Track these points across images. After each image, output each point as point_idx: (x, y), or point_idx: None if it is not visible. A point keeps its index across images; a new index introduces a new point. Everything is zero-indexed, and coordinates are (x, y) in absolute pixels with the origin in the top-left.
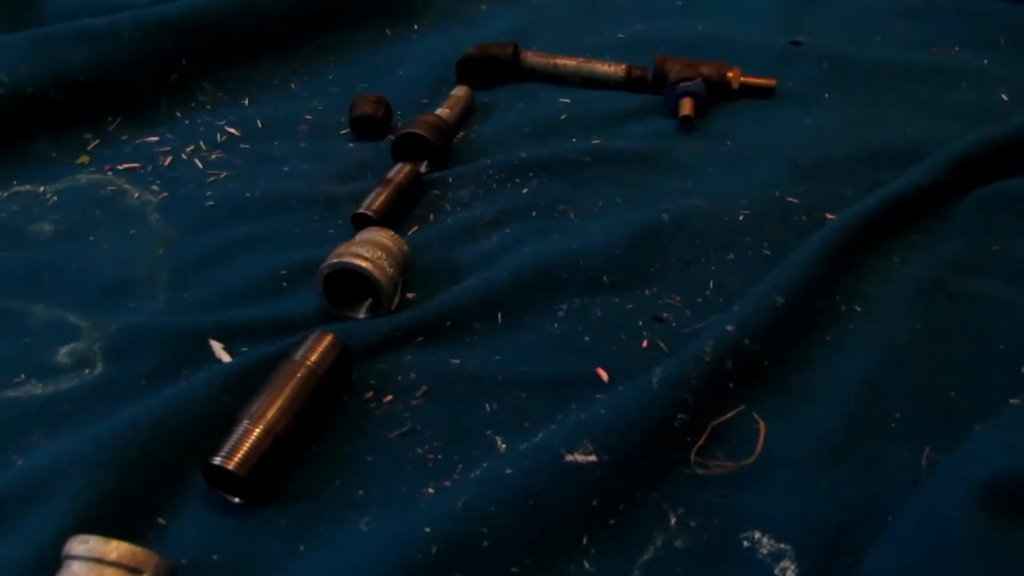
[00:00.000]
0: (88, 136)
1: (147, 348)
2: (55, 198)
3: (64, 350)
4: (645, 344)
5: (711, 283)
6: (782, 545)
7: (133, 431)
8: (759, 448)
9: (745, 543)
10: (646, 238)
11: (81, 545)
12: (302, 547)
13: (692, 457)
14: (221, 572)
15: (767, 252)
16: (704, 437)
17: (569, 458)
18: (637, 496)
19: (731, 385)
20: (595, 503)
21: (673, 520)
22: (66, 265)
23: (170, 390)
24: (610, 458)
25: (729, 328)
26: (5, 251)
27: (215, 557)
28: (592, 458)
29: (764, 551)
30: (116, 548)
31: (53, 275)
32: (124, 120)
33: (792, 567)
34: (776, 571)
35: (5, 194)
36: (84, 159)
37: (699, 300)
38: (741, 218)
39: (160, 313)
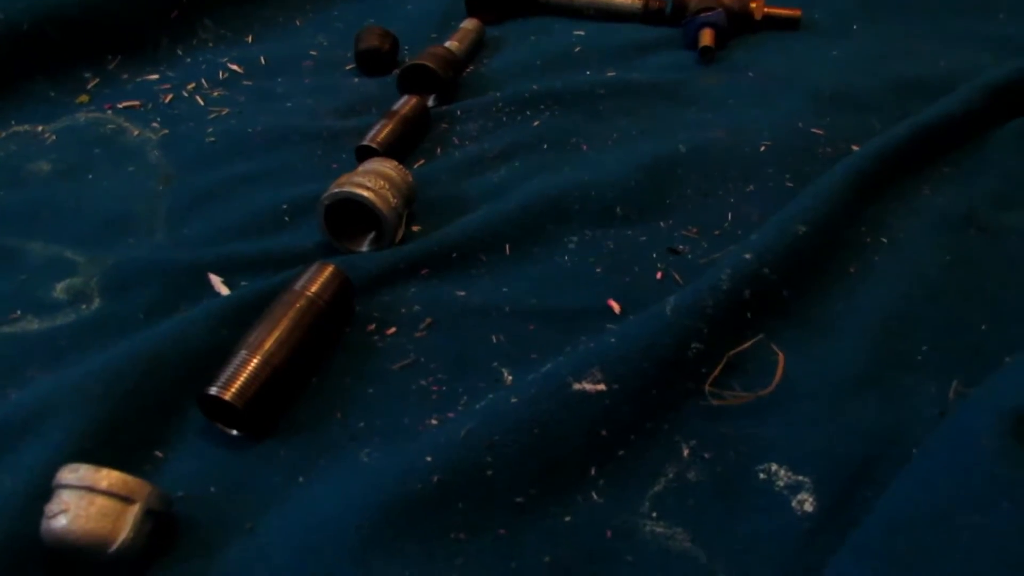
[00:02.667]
0: (87, 75)
1: (145, 283)
2: (53, 137)
3: (61, 286)
4: (659, 276)
5: (729, 215)
6: (800, 477)
7: (129, 363)
8: (777, 379)
9: (761, 475)
10: (662, 170)
11: (71, 474)
12: (301, 479)
13: (706, 388)
14: (219, 504)
15: (789, 184)
16: (719, 367)
17: (577, 386)
18: (648, 427)
19: (748, 315)
20: (604, 433)
21: (686, 451)
22: (64, 203)
23: (167, 323)
24: (619, 387)
25: (747, 256)
26: (3, 190)
27: (212, 489)
28: (601, 387)
29: (781, 483)
30: (107, 476)
31: (51, 213)
32: (124, 58)
33: (810, 499)
34: (793, 503)
35: (3, 134)
36: (83, 98)
37: (716, 232)
38: (762, 149)
39: (158, 248)
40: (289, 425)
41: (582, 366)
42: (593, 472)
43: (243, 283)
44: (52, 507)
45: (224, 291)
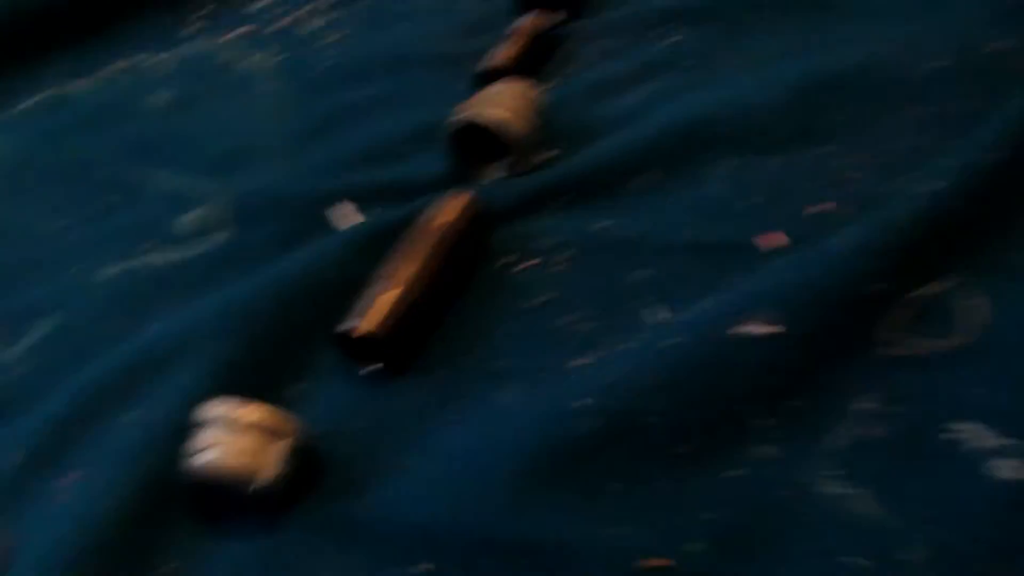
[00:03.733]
0: (204, 3)
1: (271, 214)
2: (171, 67)
3: (188, 218)
4: (825, 207)
5: (901, 141)
6: (1003, 441)
7: (262, 297)
8: (975, 327)
9: (951, 435)
10: (821, 90)
11: (216, 409)
12: (439, 420)
13: (889, 333)
14: (362, 442)
15: (970, 107)
16: (905, 312)
17: (743, 329)
18: (823, 376)
19: (939, 255)
20: (775, 381)
21: (867, 404)
22: (185, 133)
23: (298, 254)
24: (791, 331)
25: (935, 187)
26: (125, 122)
27: (354, 427)
28: (770, 329)
29: (979, 446)
30: (253, 411)
31: (173, 143)
32: None
33: (1010, 465)
34: (994, 469)
35: (123, 65)
36: (199, 26)
37: (886, 160)
38: (937, 67)
39: (283, 178)
40: (426, 363)
41: (748, 306)
42: (764, 423)
43: (372, 213)
44: (197, 443)
45: (354, 221)
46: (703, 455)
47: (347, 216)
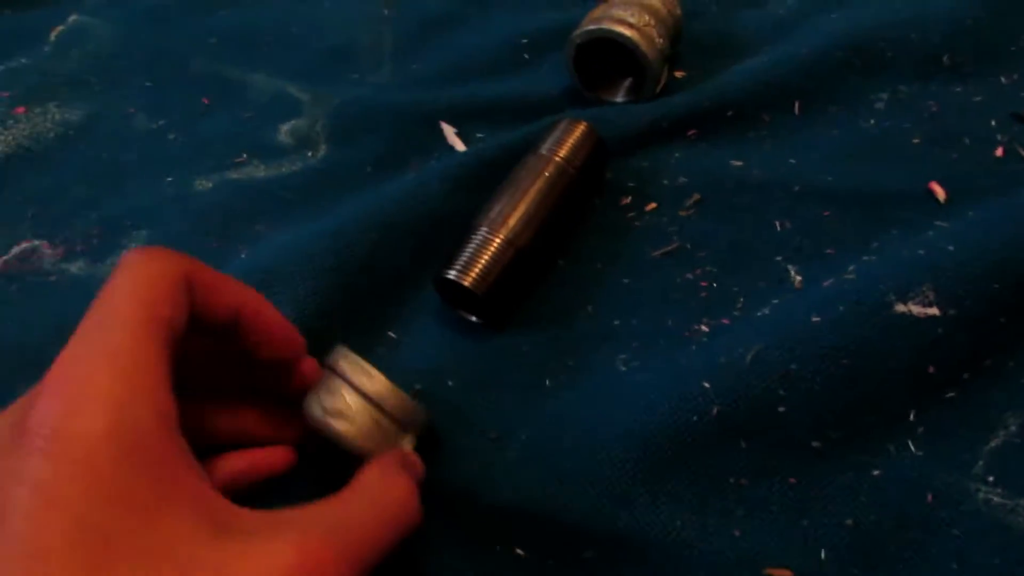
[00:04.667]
0: None
1: (373, 128)
2: None
3: (286, 127)
4: (1000, 152)
5: None
6: None
7: (360, 231)
8: None
9: None
10: (1006, 3)
11: (362, 376)
12: (548, 382)
13: None
14: (458, 404)
15: None
16: None
17: (901, 308)
18: (988, 364)
19: None
20: (931, 370)
21: None
22: (287, 27)
23: (398, 184)
24: (957, 312)
25: None
26: (224, 9)
27: (450, 383)
28: (933, 311)
29: None
30: (393, 396)
31: (273, 39)
32: None
33: None
34: None
35: None
36: None
37: None
38: None
39: (386, 88)
40: (534, 316)
41: (908, 281)
42: (912, 417)
43: (479, 135)
44: (334, 402)
45: (459, 145)
46: (841, 450)
47: (449, 140)
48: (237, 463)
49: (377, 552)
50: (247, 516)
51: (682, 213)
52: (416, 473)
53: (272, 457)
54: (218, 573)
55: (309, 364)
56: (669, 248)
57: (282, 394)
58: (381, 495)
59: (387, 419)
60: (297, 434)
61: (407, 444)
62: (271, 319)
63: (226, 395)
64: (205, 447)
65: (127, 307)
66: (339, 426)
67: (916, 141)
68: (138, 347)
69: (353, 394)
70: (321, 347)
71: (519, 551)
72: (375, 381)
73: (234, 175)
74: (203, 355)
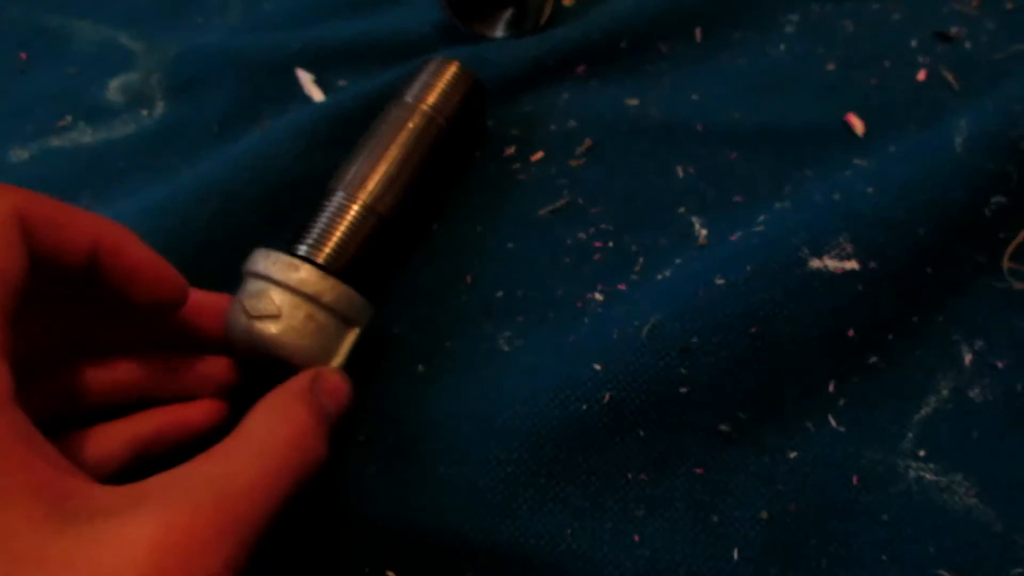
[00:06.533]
0: None
1: (217, 80)
2: None
3: (116, 83)
4: (922, 75)
5: None
6: None
7: (198, 201)
8: None
9: None
10: None
11: (290, 272)
12: (421, 367)
13: (1005, 263)
14: None
15: None
16: None
17: (815, 263)
18: (914, 321)
19: None
20: (851, 333)
21: (968, 357)
22: None
23: (245, 143)
24: (879, 265)
25: None
26: None
27: None
28: (851, 264)
29: None
30: (333, 289)
31: None
32: None
33: None
34: None
35: None
36: None
37: (1009, 5)
38: None
39: (233, 31)
40: (405, 293)
41: (823, 232)
42: (832, 388)
43: (341, 82)
44: (259, 305)
45: (316, 94)
46: (752, 433)
47: (304, 90)
48: (142, 427)
49: (269, 511)
50: (106, 495)
51: (573, 163)
52: (331, 398)
53: (191, 412)
54: (65, 567)
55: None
56: (558, 204)
57: (193, 340)
58: (269, 439)
59: (325, 313)
60: (224, 381)
61: (348, 344)
62: (136, 256)
63: (115, 350)
64: (102, 410)
65: None
66: (271, 329)
67: (831, 67)
68: None
69: (281, 291)
70: None
71: (390, 574)
72: (304, 270)
73: (56, 142)
74: (69, 306)
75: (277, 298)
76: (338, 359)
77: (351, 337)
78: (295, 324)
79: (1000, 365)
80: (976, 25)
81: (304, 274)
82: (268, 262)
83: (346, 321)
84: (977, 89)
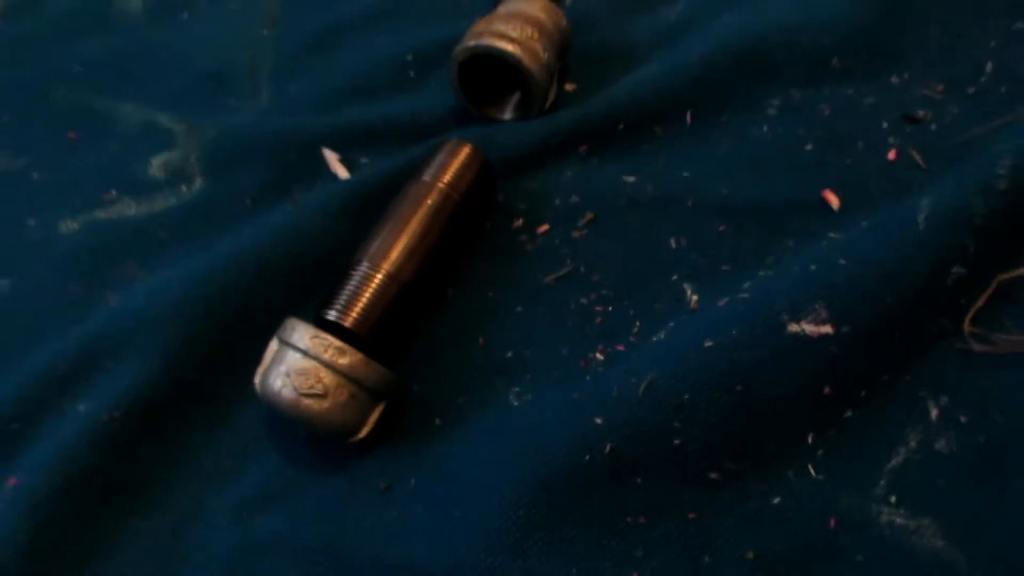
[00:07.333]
0: None
1: (251, 158)
2: None
3: (157, 161)
4: (892, 155)
5: (989, 66)
6: None
7: (236, 271)
8: None
9: None
10: (894, 3)
11: (338, 356)
12: (438, 420)
13: (966, 327)
14: (345, 454)
15: None
16: (986, 298)
17: (793, 328)
18: (884, 379)
19: None
20: (827, 391)
21: (935, 413)
22: (157, 52)
23: (278, 216)
24: (851, 329)
25: None
26: (90, 36)
27: None
28: (826, 328)
29: None
30: (375, 372)
31: (143, 65)
32: None
33: None
34: None
35: None
36: None
37: (971, 90)
38: None
39: (265, 113)
40: (423, 352)
41: (801, 299)
42: (811, 440)
43: (363, 160)
44: (307, 382)
45: (342, 172)
46: (740, 481)
47: (331, 167)
48: None
49: None
50: None
51: (575, 234)
52: None
53: None
54: None
55: None
56: (563, 272)
57: None
58: None
59: (364, 393)
60: None
61: (376, 415)
62: None
63: None
64: None
65: None
66: (316, 407)
67: (809, 147)
68: None
69: (328, 372)
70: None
71: None
72: (350, 355)
73: (103, 214)
74: None
75: (325, 379)
76: (366, 429)
77: (379, 409)
78: (339, 402)
79: (963, 420)
80: (941, 108)
81: (350, 359)
82: (316, 342)
83: (377, 397)
84: (942, 167)
